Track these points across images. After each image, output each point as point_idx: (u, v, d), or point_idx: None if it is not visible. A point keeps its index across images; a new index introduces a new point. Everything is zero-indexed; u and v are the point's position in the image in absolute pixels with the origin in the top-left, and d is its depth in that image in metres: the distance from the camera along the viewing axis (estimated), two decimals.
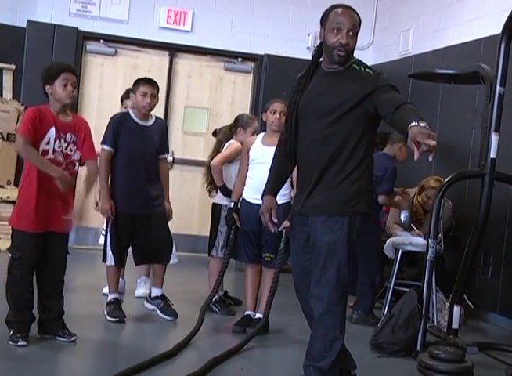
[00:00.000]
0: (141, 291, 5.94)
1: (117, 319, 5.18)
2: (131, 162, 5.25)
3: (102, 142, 5.23)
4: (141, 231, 5.29)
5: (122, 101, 6.12)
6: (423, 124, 3.17)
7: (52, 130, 4.38)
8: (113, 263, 5.31)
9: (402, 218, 6.16)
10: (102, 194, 5.21)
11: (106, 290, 5.87)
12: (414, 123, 3.20)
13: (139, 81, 5.35)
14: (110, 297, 5.32)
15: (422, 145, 3.09)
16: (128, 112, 5.39)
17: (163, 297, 5.46)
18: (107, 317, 5.21)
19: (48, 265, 4.49)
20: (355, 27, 3.64)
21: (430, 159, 3.12)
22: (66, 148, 4.44)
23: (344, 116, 3.61)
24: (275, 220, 3.86)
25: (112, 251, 5.32)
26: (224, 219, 5.68)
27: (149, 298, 5.54)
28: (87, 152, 4.56)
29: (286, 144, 3.83)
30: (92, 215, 8.11)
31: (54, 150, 4.39)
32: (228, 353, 4.54)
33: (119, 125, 5.23)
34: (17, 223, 4.44)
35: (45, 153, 4.37)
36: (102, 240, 5.97)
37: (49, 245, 4.46)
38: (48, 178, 4.34)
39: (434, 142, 3.07)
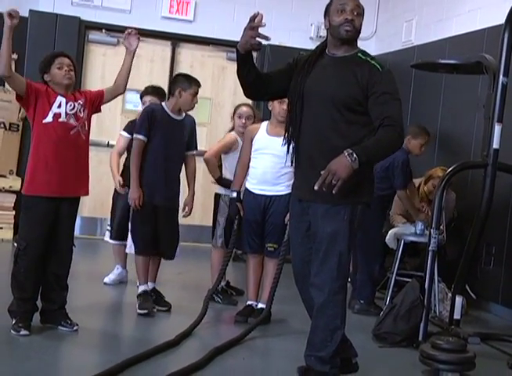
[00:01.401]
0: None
1: (145, 312, 5.16)
2: (161, 153, 5.24)
3: (136, 132, 5.23)
4: (158, 223, 5.28)
5: (141, 98, 6.02)
6: (348, 159, 3.34)
7: (61, 97, 4.44)
8: (132, 251, 5.33)
9: (417, 231, 6.10)
10: (132, 183, 5.19)
11: (107, 279, 5.88)
12: (346, 153, 3.37)
13: (192, 81, 5.35)
14: (141, 289, 5.30)
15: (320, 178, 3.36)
16: (161, 104, 5.37)
17: (155, 290, 5.46)
18: (137, 311, 5.18)
19: (53, 257, 4.50)
20: (359, 7, 3.67)
21: (334, 191, 3.34)
22: (79, 110, 4.49)
23: (348, 103, 3.61)
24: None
25: (134, 238, 5.31)
26: (222, 209, 5.73)
27: None
28: (97, 92, 4.68)
29: (290, 130, 3.83)
30: (97, 206, 8.12)
31: (66, 113, 4.43)
32: (230, 343, 4.55)
33: (153, 116, 5.23)
34: (29, 188, 4.46)
35: (58, 116, 4.41)
36: (106, 237, 5.98)
37: (56, 236, 4.47)
38: (56, 143, 4.40)
39: (327, 180, 3.33)
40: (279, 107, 5.11)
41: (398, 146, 3.61)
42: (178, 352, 4.39)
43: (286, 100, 5.05)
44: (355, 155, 3.37)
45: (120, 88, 4.77)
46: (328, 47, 3.76)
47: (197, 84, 5.39)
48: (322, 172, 3.38)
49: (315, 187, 3.36)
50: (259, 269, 5.33)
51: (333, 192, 3.35)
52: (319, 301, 3.64)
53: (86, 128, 4.56)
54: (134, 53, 4.83)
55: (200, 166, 9.03)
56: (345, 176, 3.34)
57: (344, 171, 3.34)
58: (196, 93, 5.36)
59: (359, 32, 3.70)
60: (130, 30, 4.84)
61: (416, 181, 6.57)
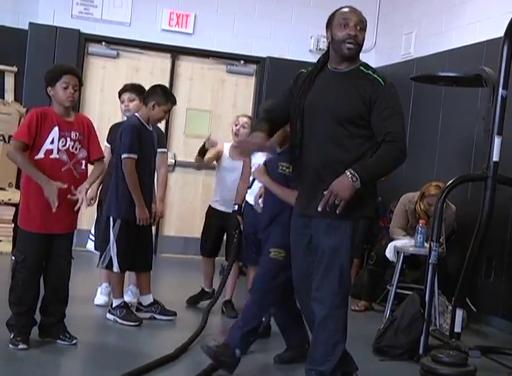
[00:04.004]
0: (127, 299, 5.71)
1: (136, 323, 5.18)
2: (145, 167, 5.24)
3: (129, 151, 5.08)
4: (139, 237, 5.26)
5: (120, 96, 5.83)
6: (350, 180, 3.39)
7: (56, 129, 4.36)
8: (119, 270, 5.24)
9: (417, 243, 6.02)
10: (137, 203, 5.11)
11: (99, 301, 5.76)
12: (348, 173, 3.42)
13: (169, 98, 5.31)
14: (119, 301, 5.28)
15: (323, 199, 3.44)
16: (137, 118, 5.28)
17: (156, 301, 5.47)
18: (122, 322, 5.19)
19: (52, 271, 4.48)
20: (362, 22, 3.66)
21: (337, 211, 3.41)
22: (72, 147, 4.40)
23: (352, 118, 3.60)
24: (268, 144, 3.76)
25: (118, 257, 5.20)
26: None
27: (141, 306, 5.47)
28: (95, 151, 4.55)
29: (291, 147, 3.84)
30: (88, 217, 8.10)
31: (58, 150, 4.34)
32: None
33: (139, 132, 5.17)
34: (23, 223, 4.42)
35: (50, 152, 4.33)
36: (90, 245, 5.92)
37: (54, 250, 4.44)
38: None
39: (324, 204, 3.42)
40: None
41: (400, 162, 3.59)
42: (177, 365, 4.36)
43: None
44: (356, 175, 3.39)
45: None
46: (330, 61, 3.75)
47: (174, 102, 5.39)
48: (324, 193, 3.39)
49: (319, 208, 3.40)
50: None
51: (337, 212, 3.37)
52: (320, 315, 3.63)
53: (82, 166, 4.47)
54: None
55: (200, 178, 9.04)
56: (347, 197, 3.39)
57: (347, 192, 3.38)
58: (169, 110, 5.38)
59: (362, 47, 3.70)
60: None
61: (414, 194, 6.53)
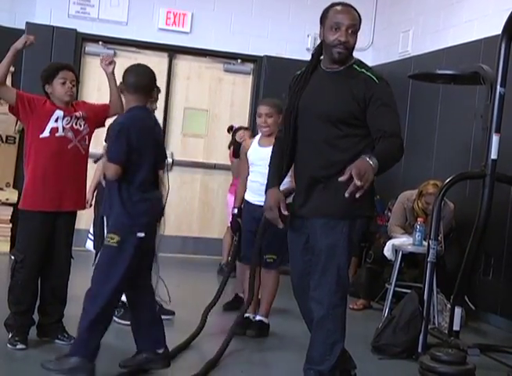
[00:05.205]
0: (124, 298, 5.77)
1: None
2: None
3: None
4: None
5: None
6: (369, 162, 3.20)
7: (59, 110, 4.41)
8: None
9: (415, 242, 6.01)
10: None
11: None
12: (366, 157, 3.23)
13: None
14: None
15: (351, 185, 3.12)
16: None
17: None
18: (119, 321, 5.17)
19: (51, 269, 4.48)
20: (355, 25, 3.59)
21: (357, 196, 3.15)
22: (75, 123, 4.45)
23: (345, 118, 3.58)
24: (285, 213, 3.66)
25: None
26: None
27: None
28: (103, 105, 4.71)
29: (283, 144, 3.79)
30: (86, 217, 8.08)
31: (63, 128, 4.39)
32: (220, 354, 4.49)
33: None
34: (29, 204, 4.42)
35: (55, 131, 4.38)
36: (89, 244, 5.91)
37: (54, 247, 4.45)
38: (54, 158, 4.37)
39: (359, 183, 3.09)
40: (258, 121, 5.21)
41: (399, 158, 3.53)
42: (174, 365, 4.34)
43: (262, 112, 5.20)
44: (374, 159, 3.24)
45: (117, 109, 4.70)
46: (323, 59, 3.72)
47: (158, 91, 5.33)
48: (341, 179, 3.18)
49: (346, 195, 3.15)
50: (257, 280, 5.29)
51: (356, 196, 3.16)
52: (318, 314, 3.62)
53: (86, 142, 4.53)
54: (113, 75, 4.70)
55: (198, 178, 9.05)
56: (372, 179, 3.21)
57: (371, 173, 3.20)
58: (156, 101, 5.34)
59: (353, 49, 3.63)
60: (101, 57, 4.76)
61: (412, 193, 6.53)
